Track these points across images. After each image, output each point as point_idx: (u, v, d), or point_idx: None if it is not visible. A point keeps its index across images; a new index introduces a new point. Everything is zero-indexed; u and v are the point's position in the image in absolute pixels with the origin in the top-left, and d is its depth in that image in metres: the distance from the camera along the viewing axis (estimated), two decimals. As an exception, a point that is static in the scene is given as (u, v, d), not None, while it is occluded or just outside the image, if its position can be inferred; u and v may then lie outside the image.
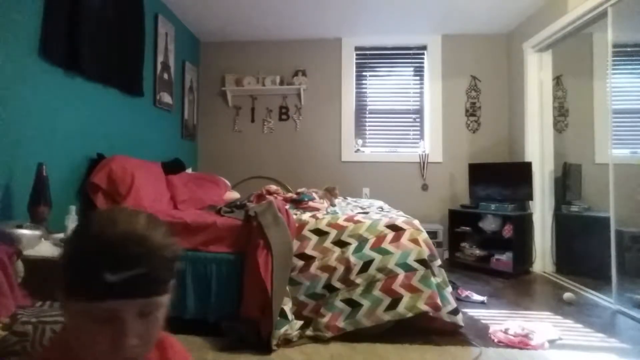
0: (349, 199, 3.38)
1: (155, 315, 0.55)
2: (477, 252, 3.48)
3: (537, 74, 3.51)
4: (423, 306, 1.86)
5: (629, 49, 2.99)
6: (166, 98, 3.40)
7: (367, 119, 4.16)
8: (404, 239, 2.01)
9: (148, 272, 0.53)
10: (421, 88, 4.12)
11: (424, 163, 3.99)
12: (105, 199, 2.17)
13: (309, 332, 1.88)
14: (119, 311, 0.51)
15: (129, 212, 0.57)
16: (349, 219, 2.12)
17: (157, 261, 0.54)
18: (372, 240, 2.02)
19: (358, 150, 4.11)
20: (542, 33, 3.28)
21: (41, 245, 1.57)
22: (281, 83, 4.03)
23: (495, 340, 1.92)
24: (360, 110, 4.15)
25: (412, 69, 4.16)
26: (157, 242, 0.55)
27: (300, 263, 1.99)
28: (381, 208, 2.74)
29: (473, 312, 2.34)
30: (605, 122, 2.94)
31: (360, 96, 4.16)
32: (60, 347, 0.59)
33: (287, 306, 1.89)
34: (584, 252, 3.10)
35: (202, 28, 3.90)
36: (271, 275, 1.86)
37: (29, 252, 1.47)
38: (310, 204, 2.49)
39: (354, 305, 1.90)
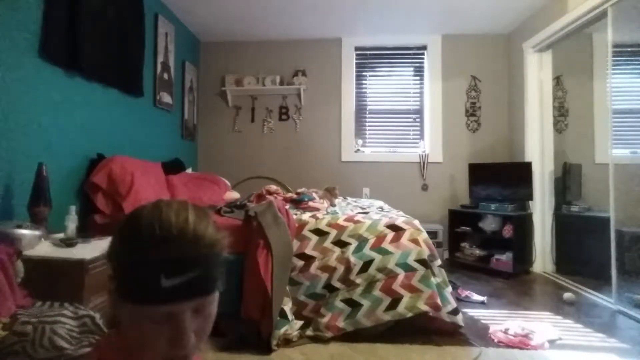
0: (349, 199, 3.38)
1: (209, 311, 0.56)
2: (477, 252, 3.48)
3: (537, 74, 3.51)
4: (423, 306, 1.86)
5: (629, 49, 2.99)
6: (166, 98, 3.40)
7: (367, 119, 4.16)
8: (404, 239, 2.01)
9: (202, 273, 0.53)
10: (421, 88, 4.12)
11: (424, 163, 3.99)
12: (105, 199, 2.17)
13: (309, 332, 1.89)
14: (175, 313, 0.52)
15: (177, 209, 0.55)
16: (349, 219, 2.12)
17: (210, 260, 0.54)
18: (372, 240, 2.02)
19: (358, 150, 4.11)
20: (542, 33, 3.28)
21: (41, 245, 1.57)
22: (281, 83, 4.03)
23: (495, 340, 1.92)
24: (360, 110, 4.15)
25: (412, 69, 4.16)
26: (209, 240, 0.54)
27: (300, 263, 2.00)
28: (381, 208, 2.74)
29: (473, 312, 2.34)
30: (605, 122, 2.94)
31: (360, 96, 4.16)
32: (113, 348, 0.59)
33: (287, 306, 1.89)
34: (584, 252, 3.10)
35: (202, 28, 3.90)
36: (271, 275, 1.86)
37: (29, 252, 1.47)
38: (310, 204, 2.49)
39: (354, 305, 1.90)
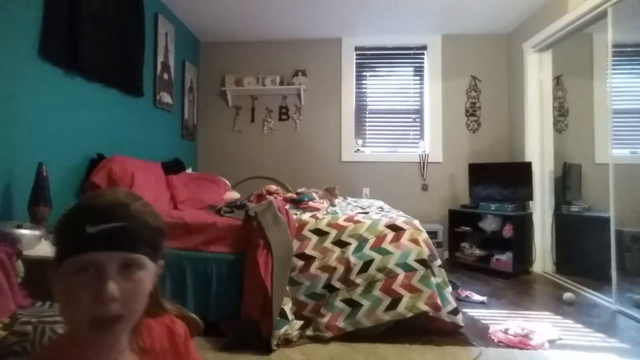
0: (349, 199, 3.37)
1: (138, 276, 0.57)
2: (477, 252, 3.48)
3: (537, 74, 3.51)
4: (423, 306, 1.86)
5: (629, 49, 2.99)
6: (166, 98, 3.40)
7: (367, 119, 4.16)
8: (404, 239, 2.01)
9: (128, 227, 0.56)
10: (421, 88, 4.12)
11: (424, 163, 3.99)
12: (105, 199, 2.17)
13: (309, 332, 1.88)
14: (100, 262, 0.54)
15: (114, 190, 0.63)
16: (349, 219, 2.12)
17: (137, 221, 0.58)
18: (372, 240, 2.02)
19: (358, 150, 4.11)
20: (542, 33, 3.27)
21: (41, 245, 1.57)
22: (281, 83, 4.03)
23: (495, 340, 1.92)
24: (360, 110, 4.15)
25: (412, 69, 4.16)
26: (138, 207, 0.60)
27: (300, 263, 1.99)
28: (381, 208, 2.74)
29: (473, 312, 2.34)
30: (605, 122, 2.93)
31: (360, 96, 4.16)
32: (56, 349, 0.61)
33: (287, 306, 1.89)
34: (584, 252, 3.10)
35: (202, 28, 3.90)
36: (271, 275, 1.86)
37: (29, 252, 1.47)
38: (310, 204, 2.49)
39: (354, 305, 1.89)
